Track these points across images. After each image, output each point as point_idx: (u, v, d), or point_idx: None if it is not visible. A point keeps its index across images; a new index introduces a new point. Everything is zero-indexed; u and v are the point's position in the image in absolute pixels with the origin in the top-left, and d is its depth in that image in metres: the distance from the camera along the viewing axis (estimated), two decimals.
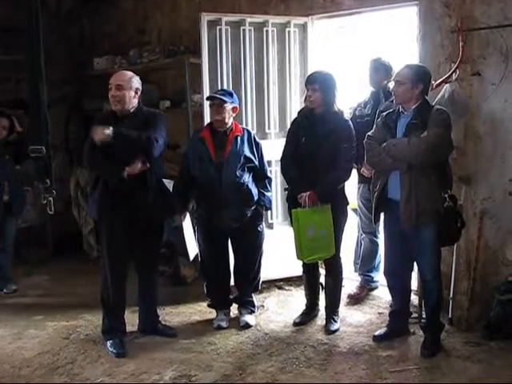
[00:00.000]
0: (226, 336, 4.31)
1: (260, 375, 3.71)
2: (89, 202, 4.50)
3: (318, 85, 4.16)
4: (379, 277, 4.93)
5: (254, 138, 4.46)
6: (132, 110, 4.03)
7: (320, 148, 4.13)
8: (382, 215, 4.11)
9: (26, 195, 5.82)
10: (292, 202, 4.28)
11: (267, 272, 4.87)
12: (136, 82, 4.04)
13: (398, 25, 5.52)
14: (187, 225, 4.50)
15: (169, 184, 4.34)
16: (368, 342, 4.11)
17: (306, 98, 4.27)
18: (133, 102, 4.02)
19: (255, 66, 5.16)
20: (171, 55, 5.84)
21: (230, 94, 4.36)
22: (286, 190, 4.52)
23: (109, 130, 3.81)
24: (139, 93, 4.05)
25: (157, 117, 4.12)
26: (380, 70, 4.69)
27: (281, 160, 4.40)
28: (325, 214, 4.12)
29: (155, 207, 4.06)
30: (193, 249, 4.54)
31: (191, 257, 4.59)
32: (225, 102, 4.27)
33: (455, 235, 3.87)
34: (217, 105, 4.29)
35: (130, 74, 4.07)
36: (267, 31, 5.15)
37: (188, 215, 4.50)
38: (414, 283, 4.43)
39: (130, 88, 3.98)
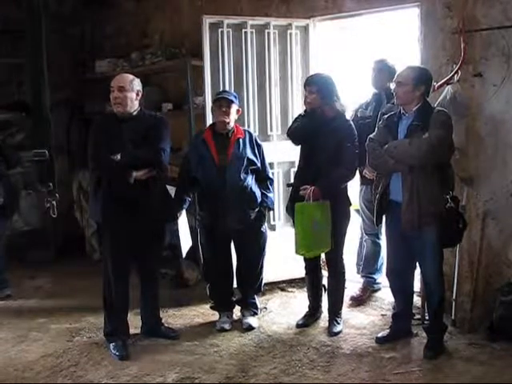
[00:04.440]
0: (228, 338, 4.31)
1: (263, 377, 3.71)
2: (90, 204, 4.50)
3: (316, 87, 4.18)
4: (382, 278, 4.93)
5: (256, 140, 4.47)
6: (134, 113, 4.04)
7: (322, 148, 4.14)
8: (384, 217, 4.11)
9: (19, 198, 5.82)
10: (295, 198, 4.27)
11: (270, 274, 4.88)
12: (137, 84, 4.05)
13: (400, 26, 5.52)
14: (182, 221, 4.51)
15: (171, 190, 4.35)
16: (371, 344, 4.11)
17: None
18: (134, 104, 4.03)
19: (257, 68, 5.17)
20: (173, 58, 5.86)
21: (234, 96, 4.38)
22: (288, 185, 4.54)
23: (116, 157, 3.88)
24: (140, 95, 4.07)
25: (160, 124, 4.13)
26: (384, 71, 4.67)
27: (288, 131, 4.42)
28: (325, 210, 4.13)
29: (158, 211, 4.08)
30: (186, 244, 4.55)
31: (184, 252, 4.59)
32: (232, 101, 4.28)
33: (457, 236, 3.87)
34: (225, 106, 4.29)
35: (130, 76, 4.09)
36: (269, 33, 5.16)
37: (184, 212, 4.51)
38: (417, 285, 4.42)
39: (132, 90, 4.00)
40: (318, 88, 4.17)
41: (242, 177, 4.28)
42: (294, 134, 4.34)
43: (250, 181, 4.34)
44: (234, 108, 4.31)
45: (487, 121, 4.38)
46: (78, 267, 6.13)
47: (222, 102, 4.32)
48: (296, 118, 4.45)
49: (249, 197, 4.33)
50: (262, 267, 4.57)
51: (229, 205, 4.24)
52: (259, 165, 4.41)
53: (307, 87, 4.23)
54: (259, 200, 4.39)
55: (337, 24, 5.50)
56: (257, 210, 4.38)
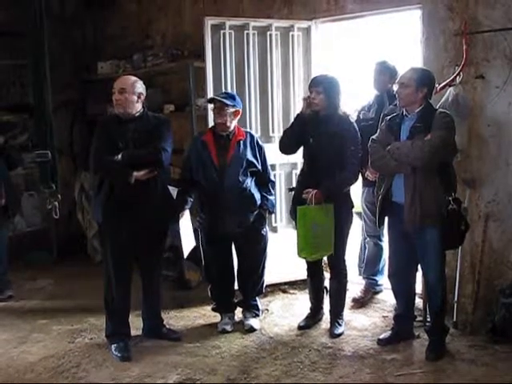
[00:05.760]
0: (230, 340, 4.30)
1: (264, 379, 3.71)
2: (92, 205, 4.50)
3: (322, 88, 4.17)
4: (384, 280, 4.92)
5: (257, 142, 4.46)
6: (137, 115, 4.04)
7: (326, 150, 4.14)
8: (386, 218, 4.10)
9: (21, 199, 5.83)
10: (297, 201, 4.27)
11: (272, 275, 4.87)
12: (139, 86, 4.05)
13: (402, 28, 5.52)
14: (184, 222, 4.51)
15: (173, 191, 4.35)
16: (373, 346, 4.11)
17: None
18: (136, 106, 4.03)
19: (259, 69, 5.17)
20: (175, 59, 5.87)
21: (233, 97, 4.34)
22: (290, 190, 4.53)
23: (117, 157, 3.89)
24: (142, 97, 4.06)
25: (163, 125, 4.14)
26: (385, 73, 4.68)
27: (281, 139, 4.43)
28: (328, 213, 4.13)
29: (159, 212, 4.07)
30: (187, 246, 4.55)
31: (185, 254, 4.60)
32: (226, 104, 4.26)
33: (459, 238, 3.86)
34: (218, 108, 4.28)
35: (133, 78, 4.09)
36: (271, 35, 5.16)
37: (187, 213, 4.50)
38: (419, 286, 4.42)
39: (133, 92, 3.99)
40: (325, 89, 4.16)
41: (240, 179, 4.27)
42: (282, 148, 4.40)
43: (250, 183, 4.33)
44: (230, 109, 4.28)
45: (489, 122, 4.37)
46: (80, 268, 6.14)
47: (215, 103, 4.32)
48: (293, 121, 4.45)
49: (247, 199, 4.32)
50: (263, 269, 4.56)
51: (228, 206, 4.23)
52: (259, 167, 4.40)
53: (314, 88, 4.20)
54: (258, 202, 4.38)
55: (339, 26, 5.50)
56: (256, 212, 4.37)
